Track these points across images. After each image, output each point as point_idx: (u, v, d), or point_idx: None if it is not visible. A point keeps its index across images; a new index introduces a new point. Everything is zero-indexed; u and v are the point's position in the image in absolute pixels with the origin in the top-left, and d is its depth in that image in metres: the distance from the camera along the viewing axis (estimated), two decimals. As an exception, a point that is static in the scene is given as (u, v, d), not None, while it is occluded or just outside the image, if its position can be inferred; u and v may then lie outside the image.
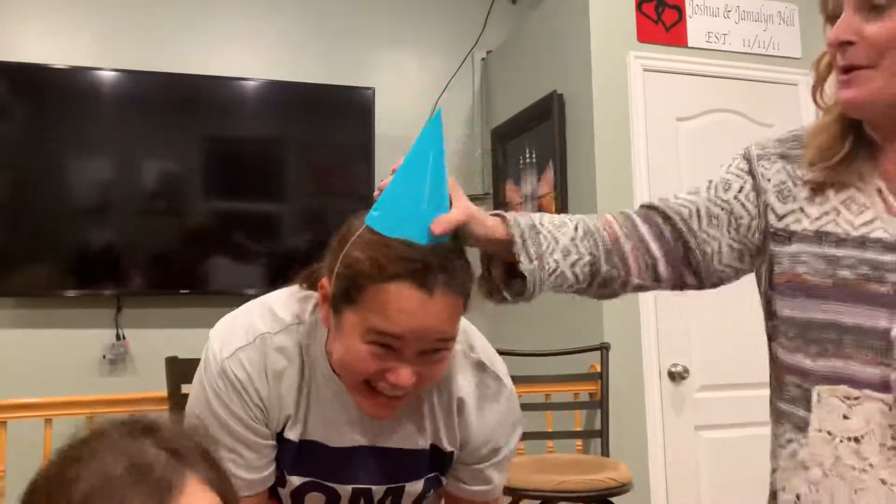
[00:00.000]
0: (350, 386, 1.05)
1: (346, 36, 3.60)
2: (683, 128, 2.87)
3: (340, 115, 3.41)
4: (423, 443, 1.15)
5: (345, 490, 1.15)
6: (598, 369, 2.61)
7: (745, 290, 3.00)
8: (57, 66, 3.16)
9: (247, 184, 3.30)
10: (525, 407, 2.63)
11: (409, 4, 3.71)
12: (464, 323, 1.16)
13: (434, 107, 3.67)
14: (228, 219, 3.27)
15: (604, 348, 2.56)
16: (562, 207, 2.95)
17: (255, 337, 1.10)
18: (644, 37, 2.86)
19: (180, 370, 1.85)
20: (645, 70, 2.84)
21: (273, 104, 3.35)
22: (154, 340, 3.17)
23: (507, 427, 1.20)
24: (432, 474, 1.18)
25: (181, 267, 3.16)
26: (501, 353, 2.71)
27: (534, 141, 3.20)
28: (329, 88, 3.41)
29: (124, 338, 3.19)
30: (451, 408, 1.15)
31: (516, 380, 2.66)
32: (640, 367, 2.69)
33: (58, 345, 3.14)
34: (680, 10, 2.90)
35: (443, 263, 0.98)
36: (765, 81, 2.96)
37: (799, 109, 2.99)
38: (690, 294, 2.86)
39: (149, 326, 3.21)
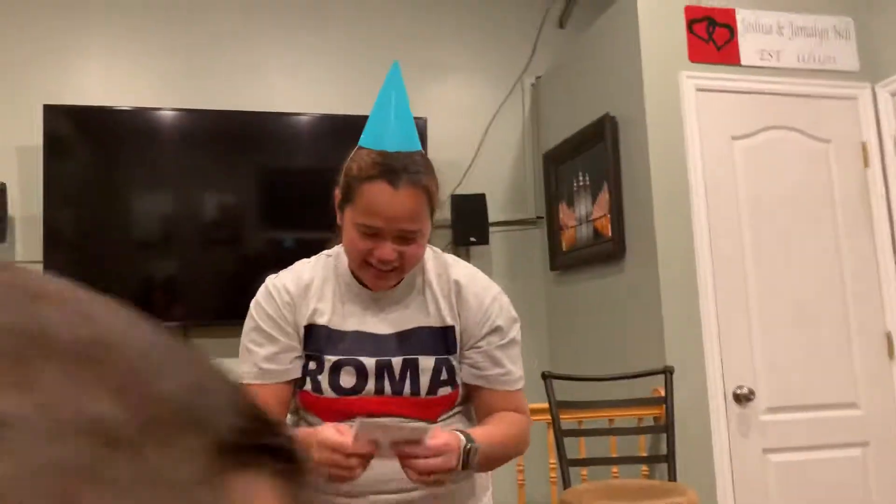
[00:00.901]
0: (356, 267, 1.37)
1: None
2: (739, 146, 2.84)
3: (393, 144, 3.46)
4: (429, 321, 1.41)
5: (370, 362, 1.37)
6: (662, 393, 2.58)
7: (809, 307, 2.93)
8: (120, 108, 3.28)
9: (302, 214, 3.36)
10: (589, 432, 2.63)
11: (459, 33, 3.77)
12: (451, 259, 1.48)
13: (484, 133, 3.71)
14: (287, 248, 3.34)
15: (667, 372, 2.53)
16: (618, 229, 2.94)
17: (294, 266, 1.47)
18: (696, 56, 2.85)
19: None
20: (698, 90, 2.82)
21: (326, 137, 3.42)
22: (218, 371, 3.24)
23: (504, 312, 1.43)
24: (442, 356, 1.39)
25: (245, 297, 3.22)
26: (563, 378, 2.70)
27: (587, 163, 3.20)
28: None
29: (189, 369, 3.26)
30: (449, 289, 1.42)
31: (579, 405, 2.64)
32: (704, 389, 2.66)
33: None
34: (731, 29, 2.88)
35: (406, 166, 1.30)
36: (822, 97, 2.92)
37: (859, 123, 2.94)
38: (753, 313, 2.81)
39: (214, 356, 3.28)
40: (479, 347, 1.41)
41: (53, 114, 3.17)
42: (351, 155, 1.37)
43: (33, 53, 3.35)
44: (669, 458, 2.51)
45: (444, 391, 1.39)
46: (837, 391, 2.78)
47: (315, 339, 1.39)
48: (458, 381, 1.42)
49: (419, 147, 1.36)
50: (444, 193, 1.43)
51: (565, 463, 2.51)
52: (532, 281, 3.69)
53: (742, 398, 2.68)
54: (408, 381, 1.37)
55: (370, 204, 1.29)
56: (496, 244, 3.65)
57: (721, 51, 2.87)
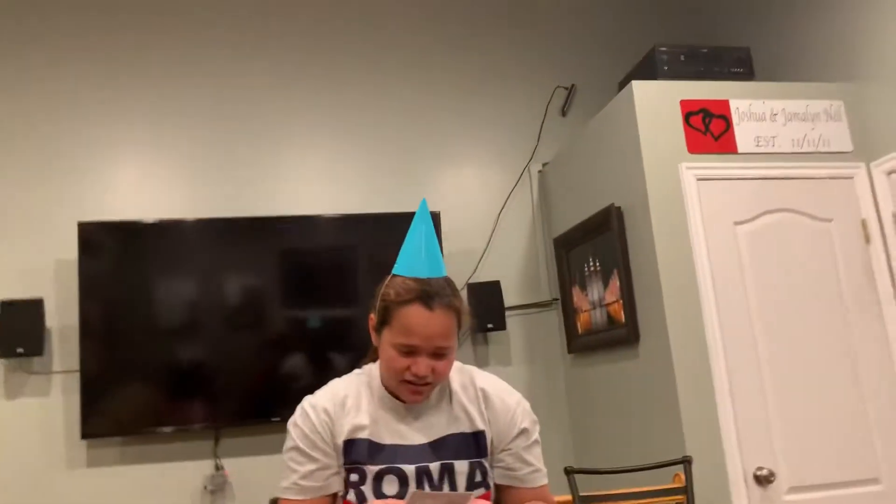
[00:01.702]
0: (393, 384, 1.51)
1: (412, 166, 3.82)
2: (742, 231, 2.94)
3: (409, 238, 3.59)
4: (459, 427, 1.55)
5: (409, 469, 1.50)
6: (683, 481, 2.63)
7: (823, 384, 2.97)
8: (150, 221, 3.45)
9: (324, 306, 3.49)
10: (612, 523, 2.67)
11: (467, 127, 3.93)
12: (475, 370, 1.64)
13: (496, 221, 3.83)
14: (317, 348, 3.46)
15: (686, 462, 2.59)
16: (630, 315, 3.03)
17: (328, 385, 1.60)
18: (694, 147, 2.97)
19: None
20: (698, 179, 2.94)
21: (346, 235, 3.57)
22: (252, 468, 3.35)
23: (528, 415, 1.60)
24: (475, 459, 1.53)
25: (272, 397, 3.34)
26: (585, 472, 2.75)
27: (597, 250, 3.31)
28: (399, 217, 3.59)
29: (223, 468, 3.36)
30: (477, 397, 1.58)
31: (601, 498, 2.68)
32: (724, 473, 2.71)
33: (162, 478, 3.34)
34: (727, 119, 3.01)
35: (438, 291, 1.47)
36: (819, 178, 3.02)
37: (857, 201, 3.03)
38: (768, 393, 2.85)
39: (246, 454, 3.39)
40: (509, 450, 1.56)
41: (88, 230, 3.35)
42: (385, 282, 1.53)
43: (68, 173, 3.55)
44: (694, 546, 2.55)
45: (479, 492, 1.52)
46: (858, 468, 2.82)
47: (356, 452, 1.51)
48: (491, 483, 1.56)
49: (445, 273, 1.55)
50: (461, 283, 1.56)
51: (592, 556, 2.55)
52: (550, 364, 3.77)
53: (763, 480, 2.73)
54: (446, 485, 1.50)
55: (408, 325, 1.45)
56: (513, 329, 3.74)
57: (718, 140, 2.99)
